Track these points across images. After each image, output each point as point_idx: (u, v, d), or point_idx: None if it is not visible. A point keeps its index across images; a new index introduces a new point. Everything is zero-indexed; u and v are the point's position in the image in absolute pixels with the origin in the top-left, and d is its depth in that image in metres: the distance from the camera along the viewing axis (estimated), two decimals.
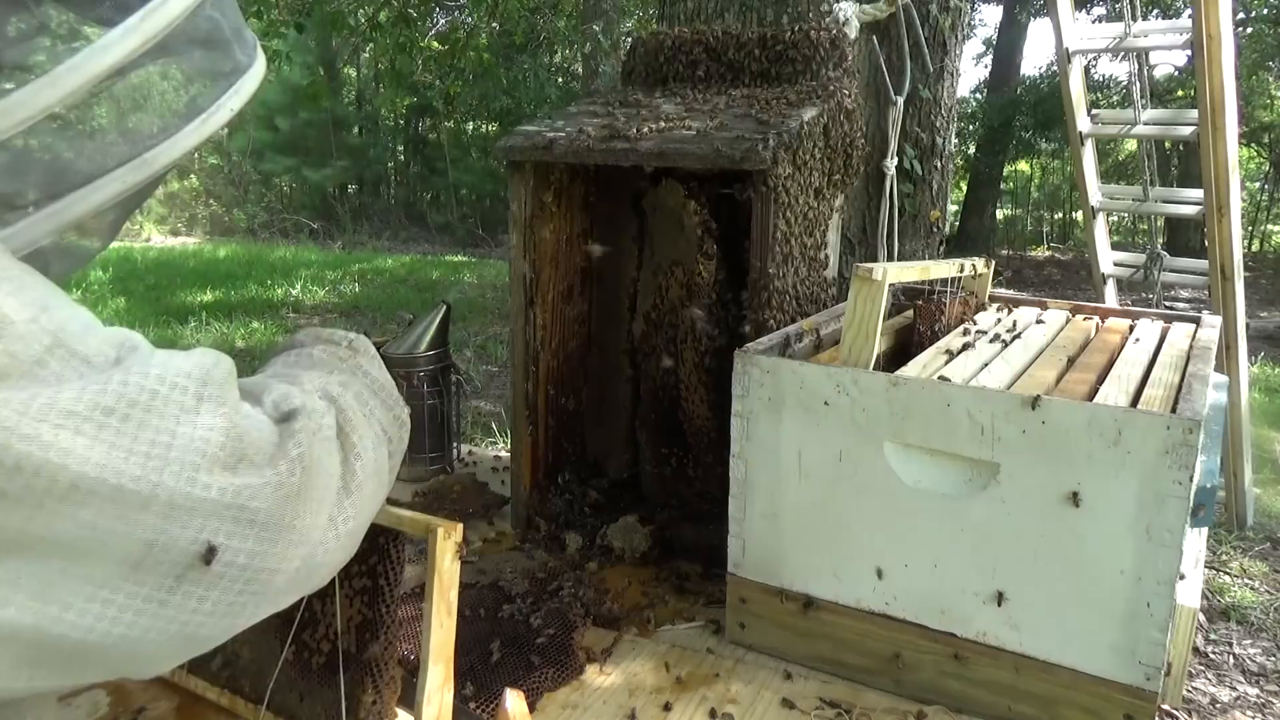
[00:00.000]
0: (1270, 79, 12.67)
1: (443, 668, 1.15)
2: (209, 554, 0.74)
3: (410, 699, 1.17)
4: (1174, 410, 1.30)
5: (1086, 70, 3.18)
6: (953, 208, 13.27)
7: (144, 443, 0.69)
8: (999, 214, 15.22)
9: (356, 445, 0.91)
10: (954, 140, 2.79)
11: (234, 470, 0.75)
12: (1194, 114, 2.83)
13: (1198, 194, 2.97)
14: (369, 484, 0.92)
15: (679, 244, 1.90)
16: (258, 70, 0.87)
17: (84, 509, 0.66)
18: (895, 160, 2.49)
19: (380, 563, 1.18)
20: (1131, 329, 1.89)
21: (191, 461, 0.72)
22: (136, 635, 0.72)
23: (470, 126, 16.58)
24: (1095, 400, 1.38)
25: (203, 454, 0.73)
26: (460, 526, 1.13)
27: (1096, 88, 13.16)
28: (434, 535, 1.11)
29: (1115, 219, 12.33)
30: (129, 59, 0.75)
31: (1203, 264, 3.10)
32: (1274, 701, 2.23)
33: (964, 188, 14.22)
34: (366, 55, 16.10)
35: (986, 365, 1.58)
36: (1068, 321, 1.97)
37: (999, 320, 1.93)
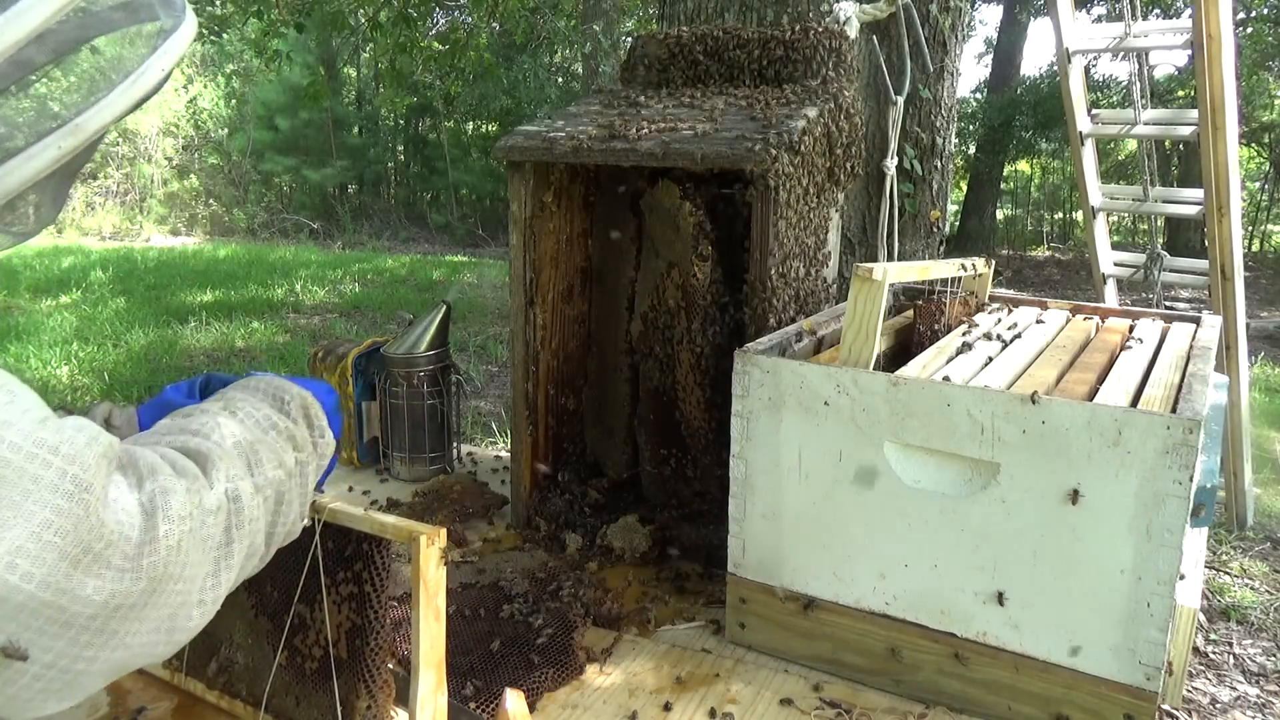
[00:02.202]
0: (1270, 79, 12.66)
1: (434, 673, 1.15)
2: (12, 650, 0.69)
3: (408, 698, 1.17)
4: (1174, 410, 1.30)
5: (1086, 70, 3.18)
6: (953, 208, 13.27)
7: None
8: (999, 214, 15.21)
9: (234, 556, 0.87)
10: (954, 140, 2.79)
11: (76, 564, 0.70)
12: (1194, 114, 2.82)
13: (1198, 194, 2.97)
14: (223, 592, 0.88)
15: (675, 245, 1.90)
16: (186, 31, 0.86)
17: None
18: (895, 160, 2.49)
19: (366, 569, 1.18)
20: (1131, 329, 1.89)
21: (20, 548, 0.67)
22: None
23: (470, 126, 16.58)
24: (1095, 400, 1.38)
25: (38, 539, 0.68)
26: (444, 532, 1.12)
27: (1096, 88, 13.16)
28: (417, 542, 1.10)
29: (1115, 219, 12.33)
30: (46, 24, 0.73)
31: (1203, 264, 3.09)
32: (1274, 701, 2.23)
33: (964, 188, 14.22)
34: (366, 55, 16.10)
35: (987, 365, 1.58)
36: (1068, 321, 1.97)
37: (999, 320, 1.93)
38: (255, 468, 0.93)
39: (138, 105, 0.83)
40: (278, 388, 1.03)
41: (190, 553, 0.81)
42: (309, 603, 1.23)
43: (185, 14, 0.87)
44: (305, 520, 1.03)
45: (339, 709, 1.21)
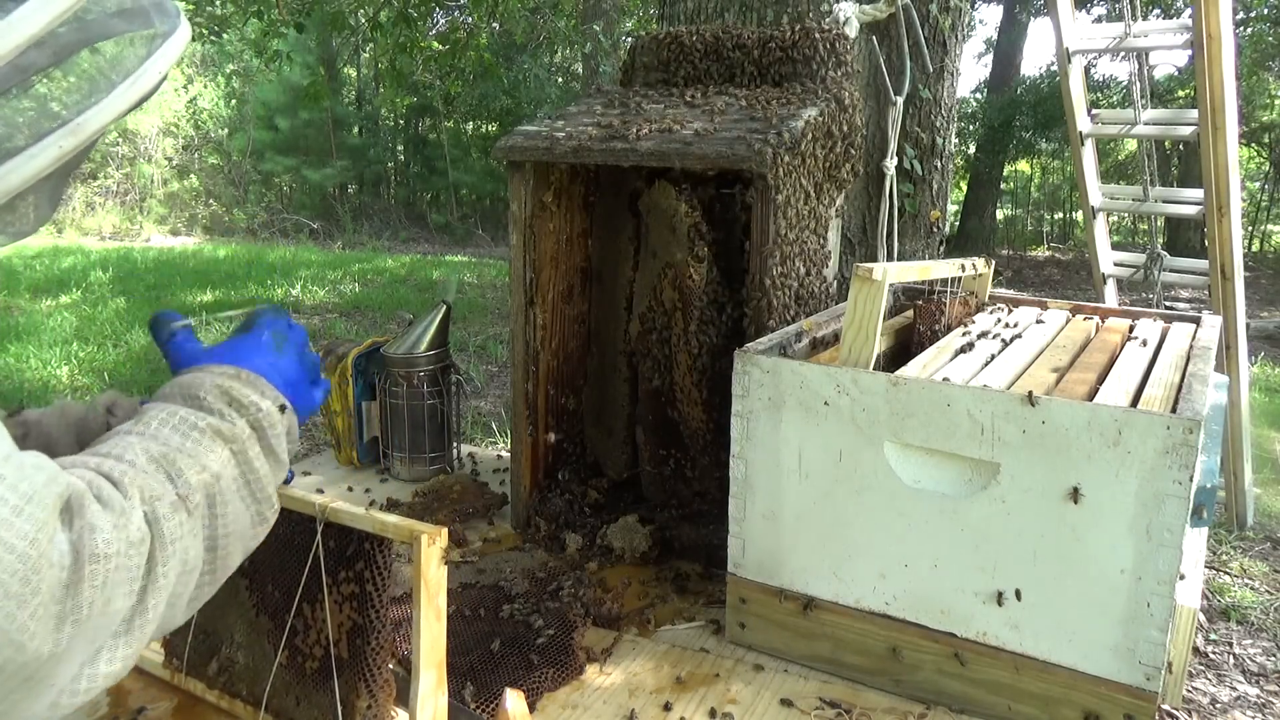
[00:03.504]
0: (1270, 79, 12.66)
1: (435, 672, 1.15)
2: None
3: (408, 698, 1.18)
4: (1174, 410, 1.30)
5: (1086, 70, 3.18)
6: (953, 208, 13.28)
7: None
8: (999, 214, 15.22)
9: (159, 580, 0.85)
10: (954, 140, 2.79)
11: (22, 605, 0.69)
12: (1194, 114, 2.82)
13: (1198, 194, 2.97)
14: (159, 613, 0.85)
15: (671, 246, 1.90)
16: (181, 35, 0.88)
17: None
18: (895, 160, 2.49)
19: (367, 569, 1.18)
20: (1131, 329, 1.89)
21: None
22: None
23: (470, 126, 16.58)
24: (1095, 400, 1.38)
25: None
26: (445, 531, 1.12)
27: (1096, 88, 13.16)
28: (418, 541, 1.10)
29: (1115, 219, 12.33)
30: (47, 30, 0.75)
31: (1203, 264, 3.09)
32: (1274, 701, 2.23)
33: (964, 188, 14.22)
34: (366, 55, 16.10)
35: (987, 365, 1.58)
36: (1068, 321, 1.97)
37: (999, 320, 1.93)
38: (176, 479, 0.90)
39: (136, 106, 0.85)
40: (191, 384, 0.99)
41: (114, 588, 0.80)
42: (310, 602, 1.23)
43: (180, 19, 0.89)
44: (272, 509, 0.99)
45: (339, 709, 1.21)
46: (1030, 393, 1.31)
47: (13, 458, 0.71)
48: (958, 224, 13.23)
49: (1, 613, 0.69)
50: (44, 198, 0.82)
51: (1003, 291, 2.19)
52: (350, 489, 2.30)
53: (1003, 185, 15.15)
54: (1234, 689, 2.28)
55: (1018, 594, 1.36)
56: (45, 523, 0.72)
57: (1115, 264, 3.31)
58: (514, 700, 1.26)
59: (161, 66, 0.85)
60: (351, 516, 1.16)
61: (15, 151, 0.76)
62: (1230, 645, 2.50)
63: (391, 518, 1.15)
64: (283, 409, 1.02)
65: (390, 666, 1.28)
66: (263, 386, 1.01)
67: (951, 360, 1.59)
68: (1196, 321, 1.90)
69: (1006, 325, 1.87)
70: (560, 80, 14.62)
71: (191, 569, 0.90)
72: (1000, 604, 1.38)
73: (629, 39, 9.35)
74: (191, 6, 8.25)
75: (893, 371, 1.44)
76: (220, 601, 1.34)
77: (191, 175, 16.15)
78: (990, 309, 2.07)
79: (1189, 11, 2.72)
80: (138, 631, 0.83)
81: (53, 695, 0.77)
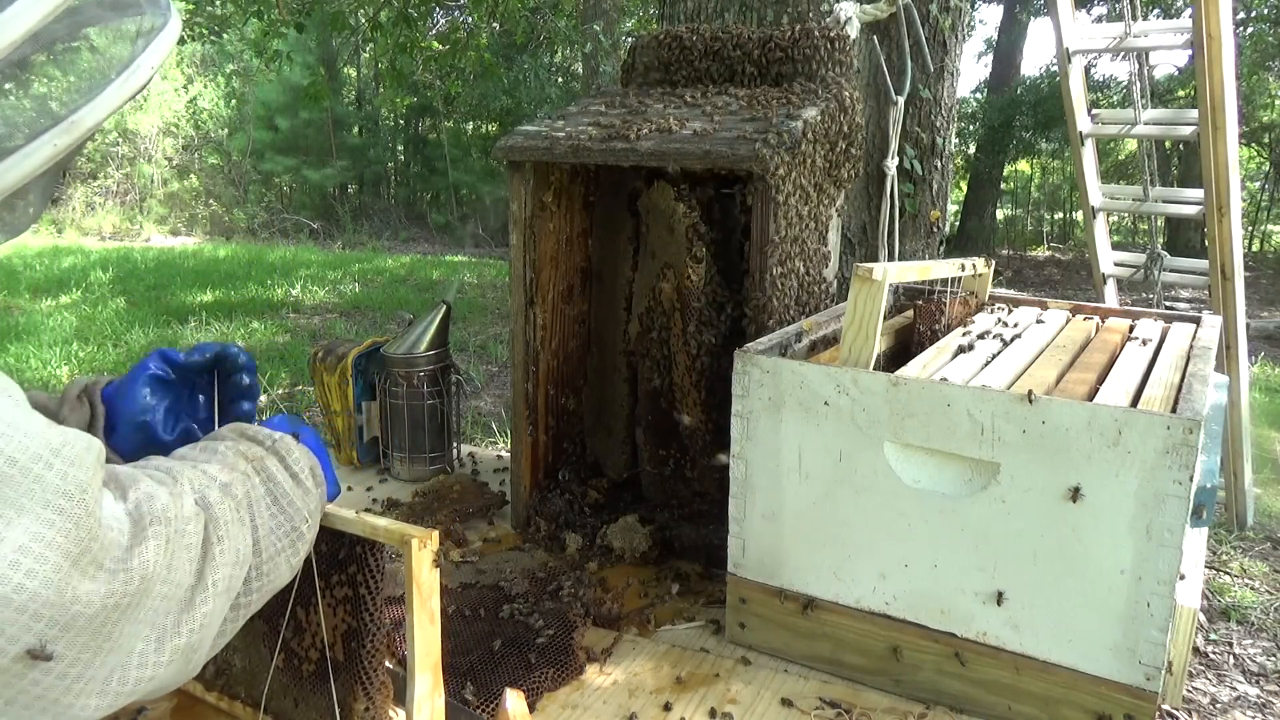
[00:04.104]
0: (1270, 79, 12.66)
1: (430, 675, 1.15)
2: (38, 652, 0.70)
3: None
4: (1174, 410, 1.30)
5: (1086, 70, 3.18)
6: (953, 208, 13.28)
7: None
8: (999, 214, 15.22)
9: (216, 559, 0.88)
10: (954, 140, 2.79)
11: (75, 564, 0.72)
12: (1194, 114, 2.82)
13: (1198, 194, 2.97)
14: (218, 602, 0.89)
15: (670, 247, 1.90)
16: (173, 29, 0.89)
17: None
18: (895, 160, 2.49)
19: (360, 572, 1.18)
20: (1132, 329, 1.89)
21: (23, 546, 0.68)
22: None
23: (470, 126, 16.58)
24: (1095, 400, 1.38)
25: (41, 539, 0.69)
26: (436, 534, 1.12)
27: (1096, 88, 13.16)
28: (409, 546, 1.10)
29: (1115, 219, 12.33)
30: (40, 25, 0.75)
31: (1203, 264, 3.10)
32: (1274, 701, 2.23)
33: (964, 188, 14.23)
34: (366, 55, 16.10)
35: (987, 365, 1.58)
36: (1068, 321, 1.97)
37: (999, 320, 1.93)
38: (214, 478, 0.95)
39: (128, 101, 0.85)
40: (216, 436, 1.06)
41: (175, 554, 0.83)
42: (304, 605, 1.23)
43: (170, 12, 0.89)
44: (307, 525, 1.04)
45: (337, 711, 1.21)
46: (1030, 391, 1.31)
47: (51, 425, 0.73)
48: (958, 224, 13.23)
49: (61, 571, 0.71)
50: (37, 195, 0.83)
51: (1003, 291, 2.19)
52: (349, 488, 2.30)
53: (1003, 185, 15.16)
54: (1234, 689, 2.28)
55: (1017, 594, 1.36)
56: (89, 485, 0.74)
57: (1115, 264, 3.31)
58: (514, 700, 1.26)
59: (154, 61, 0.85)
60: (342, 520, 1.16)
61: (11, 150, 0.77)
62: (1230, 645, 2.50)
63: (383, 521, 1.15)
64: (296, 436, 1.07)
65: (390, 666, 1.28)
66: (273, 428, 1.07)
67: (951, 360, 1.59)
68: (1196, 321, 1.90)
69: (1006, 325, 1.87)
70: (560, 80, 14.62)
71: (243, 561, 0.93)
72: (1000, 604, 1.38)
73: (629, 39, 9.35)
74: (192, 6, 8.25)
75: (893, 371, 1.45)
76: None
77: (191, 175, 16.16)
78: (990, 309, 2.07)
79: (1189, 11, 2.72)
80: (198, 611, 0.86)
81: (119, 658, 0.78)
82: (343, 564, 1.19)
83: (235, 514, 0.93)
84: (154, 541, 0.80)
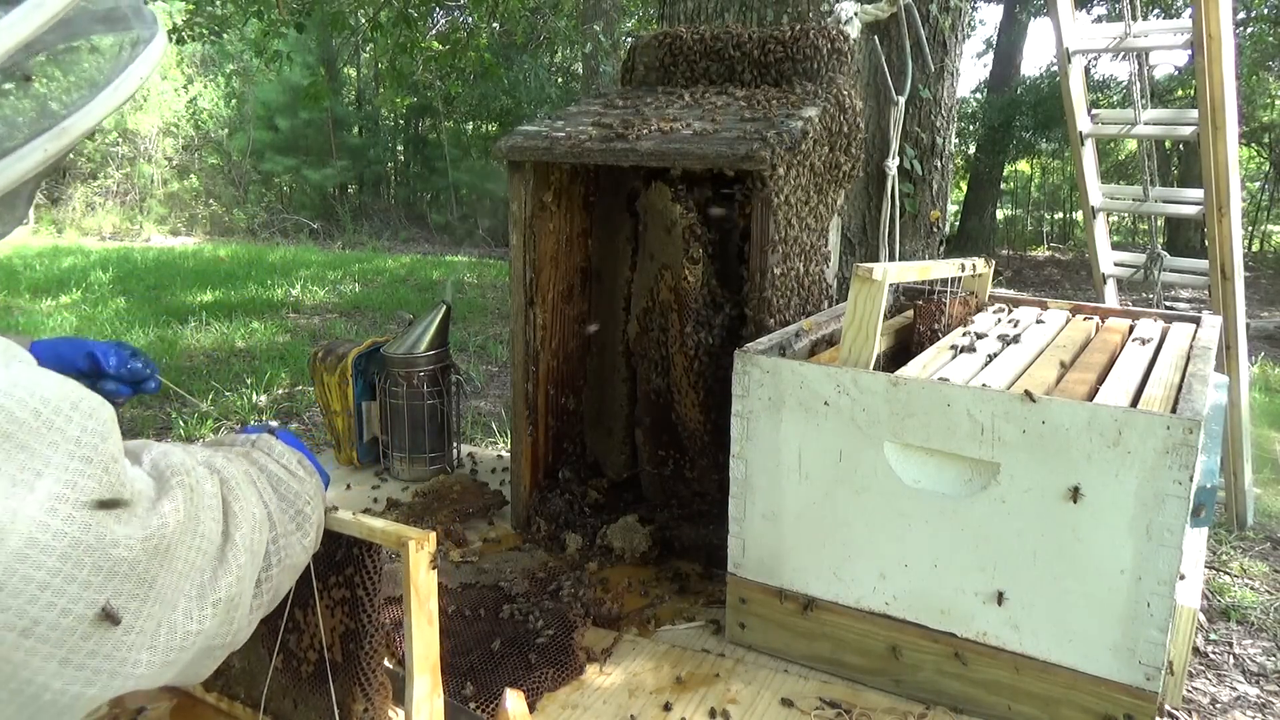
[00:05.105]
0: (1270, 79, 12.66)
1: (429, 676, 1.15)
2: (111, 611, 0.73)
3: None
4: (1174, 410, 1.30)
5: (1086, 70, 3.18)
6: (953, 208, 13.28)
7: (14, 465, 0.69)
8: (999, 214, 15.22)
9: (239, 515, 0.90)
10: (954, 140, 2.79)
11: (108, 511, 0.74)
12: (1194, 114, 2.82)
13: (1198, 194, 2.97)
14: (247, 559, 0.90)
15: (667, 248, 1.90)
16: (159, 42, 0.92)
17: None
18: (895, 160, 2.49)
19: (357, 574, 1.18)
20: (1131, 329, 1.89)
21: (58, 493, 0.70)
22: None
23: (470, 126, 16.57)
24: (1095, 400, 1.38)
25: (73, 486, 0.71)
26: (433, 536, 1.12)
27: (1096, 88, 13.16)
28: (406, 548, 1.10)
29: (1115, 219, 12.33)
30: (37, 34, 0.78)
31: (1203, 264, 3.10)
32: (1274, 701, 2.23)
33: (964, 188, 14.22)
34: (366, 55, 16.10)
35: (987, 365, 1.58)
36: (1068, 321, 1.97)
37: (999, 320, 1.93)
38: (213, 456, 0.98)
39: (117, 109, 0.88)
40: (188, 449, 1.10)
41: (200, 509, 0.85)
42: (302, 607, 1.23)
43: (157, 26, 0.93)
44: (310, 508, 1.06)
45: (336, 712, 1.21)
46: (1027, 390, 1.31)
47: (44, 374, 0.76)
48: (958, 224, 13.23)
49: (95, 517, 0.73)
50: (23, 199, 0.86)
51: (1003, 291, 2.19)
52: (349, 487, 2.30)
53: (1003, 185, 15.16)
54: (1234, 689, 2.28)
55: (1017, 594, 1.36)
56: (109, 436, 0.77)
57: (1115, 264, 3.31)
58: (514, 700, 1.26)
59: (143, 71, 0.88)
60: (339, 522, 1.15)
61: (5, 153, 0.79)
62: (1230, 645, 2.50)
63: (379, 522, 1.15)
64: (271, 431, 1.10)
65: (390, 666, 1.28)
66: (248, 434, 1.10)
67: (952, 360, 1.59)
68: (1196, 321, 1.90)
69: (1006, 325, 1.87)
70: (560, 80, 14.61)
71: (261, 525, 0.95)
72: (1000, 604, 1.38)
73: (629, 39, 9.35)
74: (191, 6, 8.25)
75: (893, 371, 1.44)
76: None
77: (191, 175, 16.15)
78: (990, 309, 2.07)
79: (1189, 11, 2.72)
80: (232, 565, 0.88)
81: (163, 611, 0.80)
82: (340, 565, 1.19)
83: (246, 481, 0.96)
84: (179, 491, 0.82)
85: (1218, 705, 2.20)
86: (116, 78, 0.86)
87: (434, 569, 1.12)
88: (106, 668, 0.76)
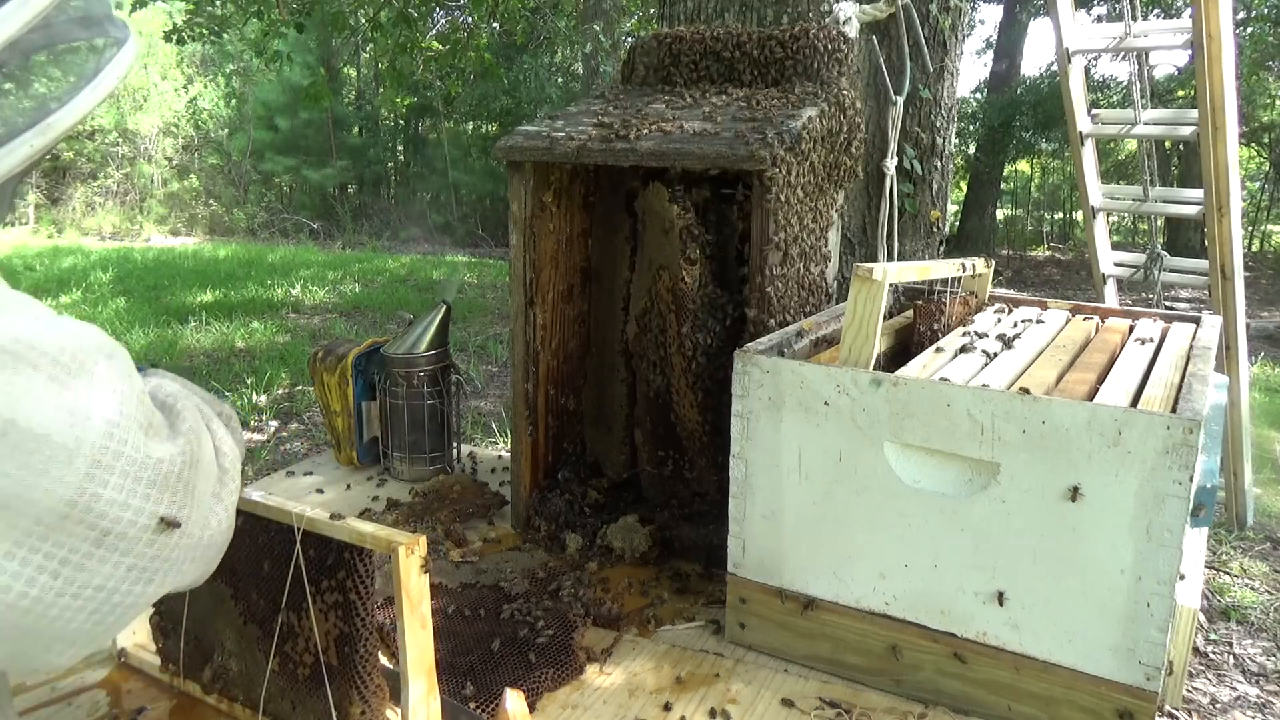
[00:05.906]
0: (1270, 79, 12.66)
1: (424, 679, 1.14)
2: (170, 520, 0.84)
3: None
4: (1174, 410, 1.30)
5: (1086, 70, 3.18)
6: (953, 208, 13.28)
7: (70, 397, 0.77)
8: (999, 214, 15.22)
9: (216, 432, 1.01)
10: (954, 140, 2.79)
11: (147, 432, 0.84)
12: (1194, 114, 2.83)
13: (1198, 194, 2.97)
14: (232, 468, 1.01)
15: (665, 248, 1.90)
16: (132, 44, 0.97)
17: (9, 459, 0.72)
18: (895, 160, 2.49)
19: (349, 578, 1.18)
20: (1131, 329, 1.89)
21: (112, 420, 0.80)
22: (49, 600, 0.77)
23: (470, 126, 16.57)
24: (1095, 400, 1.38)
25: (122, 413, 0.81)
26: (424, 540, 1.12)
27: (1096, 88, 13.16)
28: (396, 553, 1.10)
29: (1115, 219, 12.33)
30: (19, 34, 0.82)
31: (1203, 264, 3.10)
32: (1274, 701, 2.23)
33: (964, 188, 14.23)
34: (366, 55, 16.10)
35: (986, 365, 1.58)
36: (1068, 321, 1.97)
37: (999, 320, 1.93)
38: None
39: (98, 106, 0.93)
40: None
41: (199, 426, 0.95)
42: (295, 610, 1.23)
43: (128, 31, 0.98)
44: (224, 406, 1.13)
45: (334, 714, 1.21)
46: (1023, 388, 1.31)
47: (68, 320, 0.83)
48: (958, 224, 13.23)
49: (141, 438, 0.83)
50: (6, 195, 0.90)
51: (1003, 291, 2.19)
52: (349, 487, 2.30)
53: (1003, 185, 15.16)
54: (1234, 689, 2.28)
55: (1017, 594, 1.36)
56: (132, 370, 0.86)
57: (1115, 264, 3.32)
58: (514, 700, 1.26)
59: (119, 71, 0.94)
60: (329, 526, 1.15)
61: None
62: (1230, 645, 2.50)
63: (369, 527, 1.14)
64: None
65: (389, 666, 1.28)
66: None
67: (951, 360, 1.59)
68: (1196, 321, 1.90)
69: (1006, 325, 1.87)
70: (560, 80, 14.61)
71: (224, 437, 1.03)
72: (1000, 604, 1.38)
73: (629, 39, 9.35)
74: (192, 6, 8.25)
75: (893, 371, 1.44)
76: (206, 608, 1.34)
77: (191, 175, 16.16)
78: (990, 309, 2.07)
79: (1189, 11, 2.72)
80: (228, 468, 0.99)
81: (201, 516, 0.91)
82: (332, 570, 1.19)
83: (200, 409, 1.03)
84: (187, 413, 0.93)
85: (1218, 705, 2.20)
86: (96, 76, 0.90)
87: (425, 573, 1.12)
88: (163, 568, 0.87)
